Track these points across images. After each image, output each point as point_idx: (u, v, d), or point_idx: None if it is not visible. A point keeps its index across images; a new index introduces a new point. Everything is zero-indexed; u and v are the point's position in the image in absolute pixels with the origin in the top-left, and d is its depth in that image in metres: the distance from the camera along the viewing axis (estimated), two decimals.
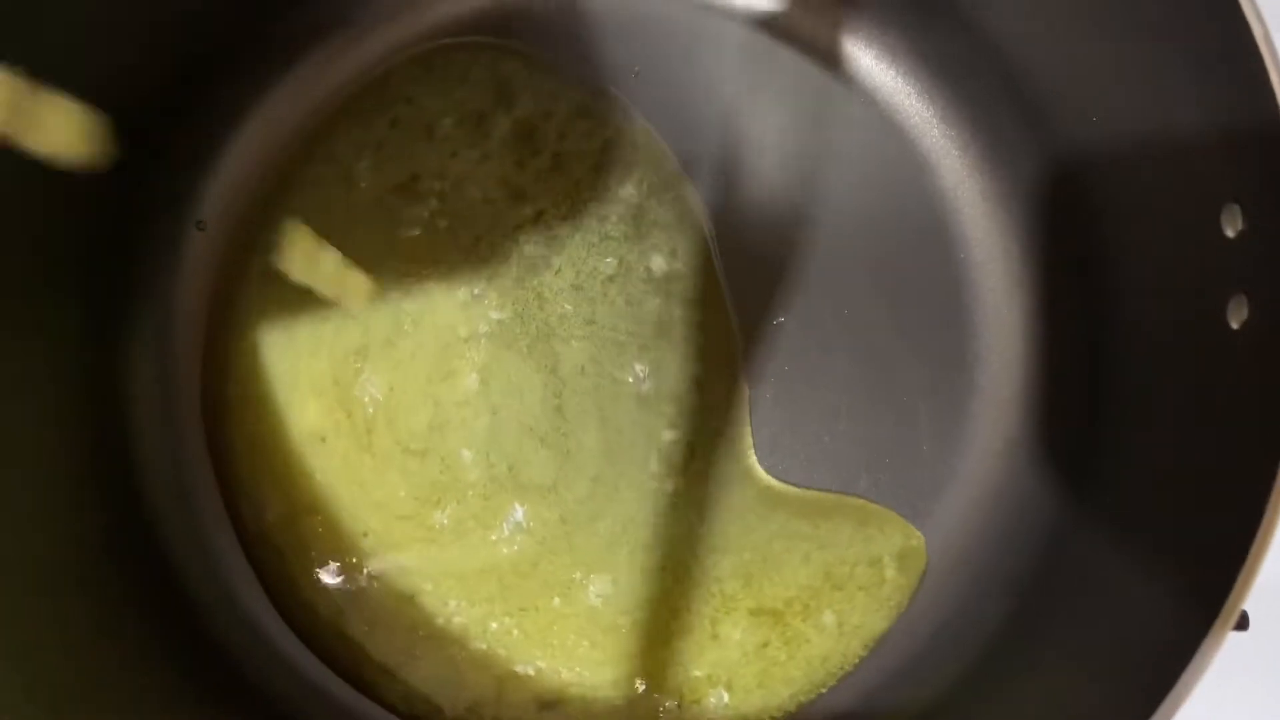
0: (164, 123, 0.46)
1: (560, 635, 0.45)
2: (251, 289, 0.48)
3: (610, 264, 0.50)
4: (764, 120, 0.51)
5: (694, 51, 0.52)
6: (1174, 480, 0.38)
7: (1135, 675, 0.33)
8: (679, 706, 0.45)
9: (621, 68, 0.51)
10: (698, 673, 0.45)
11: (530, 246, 0.50)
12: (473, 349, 0.48)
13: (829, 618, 0.46)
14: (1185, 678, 0.31)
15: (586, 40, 0.52)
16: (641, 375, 0.48)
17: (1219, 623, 0.32)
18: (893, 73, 0.51)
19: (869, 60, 0.51)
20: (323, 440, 0.47)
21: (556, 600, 0.46)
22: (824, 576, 0.47)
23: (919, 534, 0.47)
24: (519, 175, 0.51)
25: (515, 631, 0.45)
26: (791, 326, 0.49)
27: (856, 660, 0.46)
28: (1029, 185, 0.49)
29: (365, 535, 0.46)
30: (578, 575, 0.46)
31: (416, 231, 0.50)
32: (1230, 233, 0.35)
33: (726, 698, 0.45)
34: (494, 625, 0.45)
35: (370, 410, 0.47)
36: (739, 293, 0.49)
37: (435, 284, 0.49)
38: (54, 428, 0.42)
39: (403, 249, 0.49)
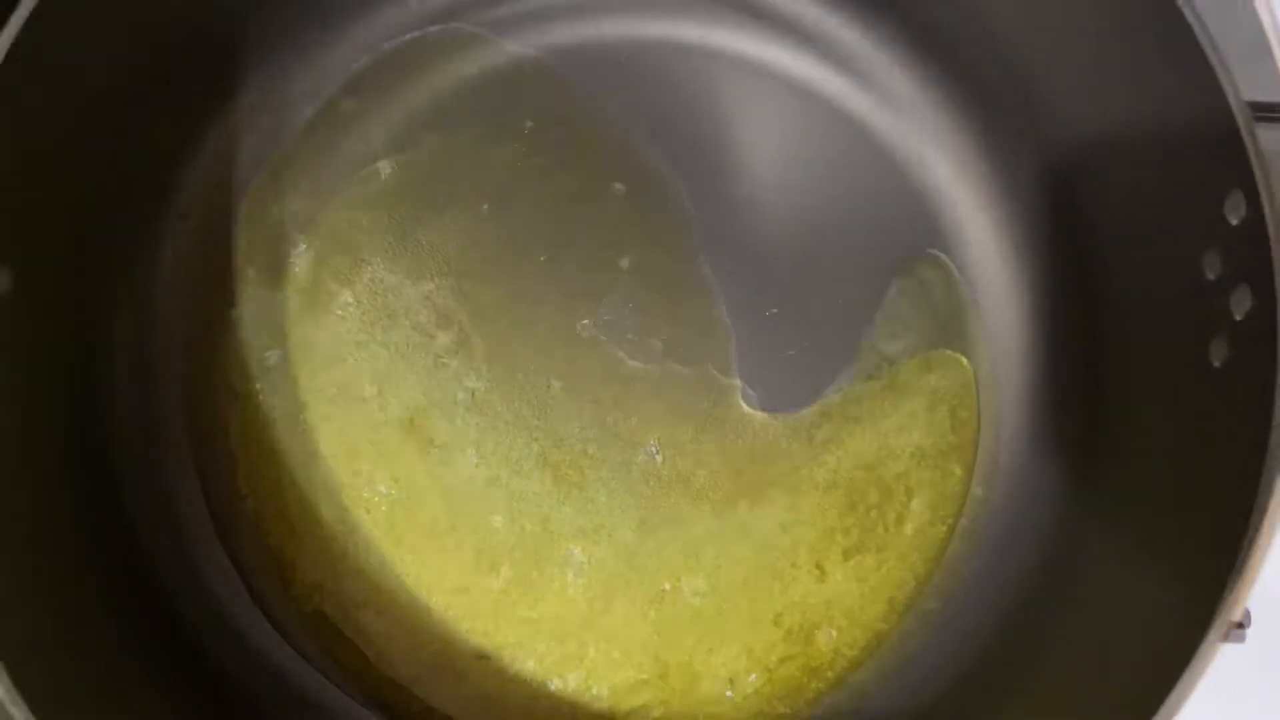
0: (147, 110, 0.45)
1: (666, 637, 0.47)
2: (231, 422, 0.47)
3: (587, 326, 0.49)
4: (769, 160, 0.51)
5: (701, 98, 0.51)
6: (1171, 487, 0.39)
7: (1136, 678, 0.35)
8: (770, 673, 0.46)
9: (633, 115, 0.51)
10: (812, 616, 0.47)
11: (495, 309, 0.48)
12: (459, 421, 0.48)
13: (916, 504, 0.48)
14: (1184, 680, 0.33)
15: (600, 90, 0.51)
16: (654, 450, 0.48)
17: (1215, 627, 0.33)
18: (892, 110, 0.51)
19: (869, 102, 0.51)
20: (351, 536, 0.47)
21: (652, 613, 0.47)
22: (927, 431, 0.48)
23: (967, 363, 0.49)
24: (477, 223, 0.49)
25: (615, 652, 0.47)
26: (789, 340, 0.49)
27: (949, 530, 0.47)
28: (1024, 194, 0.49)
29: (429, 612, 0.47)
30: (667, 585, 0.47)
31: (350, 307, 0.48)
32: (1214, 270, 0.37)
33: (834, 634, 0.47)
34: (591, 651, 0.47)
35: (384, 507, 0.47)
36: (739, 312, 0.49)
37: (390, 354, 0.48)
38: (34, 434, 0.40)
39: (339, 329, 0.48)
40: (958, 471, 0.48)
